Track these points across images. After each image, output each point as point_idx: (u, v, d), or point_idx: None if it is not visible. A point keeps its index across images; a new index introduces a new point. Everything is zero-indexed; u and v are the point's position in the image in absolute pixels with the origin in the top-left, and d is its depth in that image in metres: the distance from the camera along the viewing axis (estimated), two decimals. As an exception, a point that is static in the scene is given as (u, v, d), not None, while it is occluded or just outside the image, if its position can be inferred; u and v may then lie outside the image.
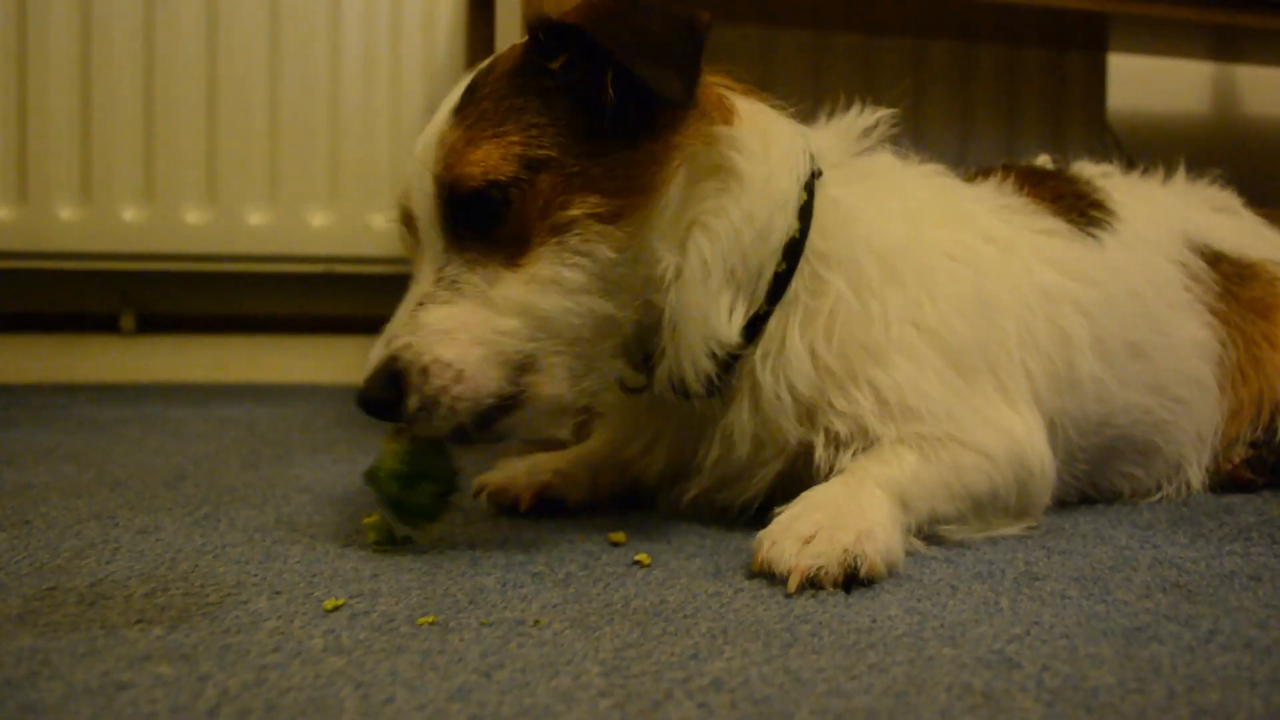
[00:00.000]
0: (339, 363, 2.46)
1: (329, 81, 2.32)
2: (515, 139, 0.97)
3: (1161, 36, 2.23)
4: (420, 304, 0.98)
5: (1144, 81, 2.60)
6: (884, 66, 2.44)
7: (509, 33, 1.68)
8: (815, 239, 1.08)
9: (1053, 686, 0.68)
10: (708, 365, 1.04)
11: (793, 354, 1.05)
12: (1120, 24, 2.14)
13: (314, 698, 0.65)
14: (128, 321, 2.41)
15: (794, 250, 1.07)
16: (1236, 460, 1.35)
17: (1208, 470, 1.33)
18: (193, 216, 2.28)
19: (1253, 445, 1.36)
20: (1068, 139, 2.48)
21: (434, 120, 1.03)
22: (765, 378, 1.06)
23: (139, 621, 0.79)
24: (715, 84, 1.09)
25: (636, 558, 0.98)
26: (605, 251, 0.98)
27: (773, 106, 1.14)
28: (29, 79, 2.22)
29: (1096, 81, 2.54)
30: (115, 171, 2.25)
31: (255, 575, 0.92)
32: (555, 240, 0.97)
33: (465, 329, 0.96)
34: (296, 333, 2.46)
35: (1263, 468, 1.36)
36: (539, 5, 1.48)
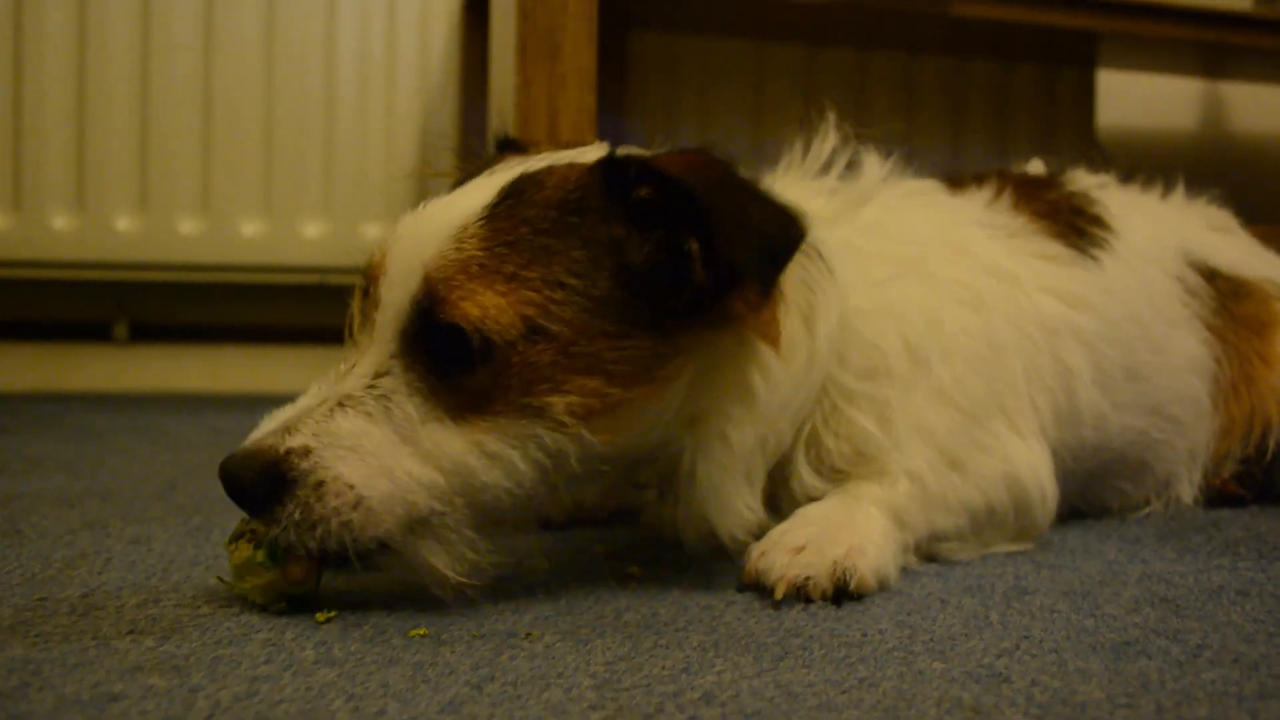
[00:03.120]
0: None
1: (323, 92, 2.32)
2: (533, 294, 0.84)
3: (1151, 53, 2.26)
4: (341, 404, 0.85)
5: (1133, 98, 2.62)
6: (876, 82, 2.45)
7: (504, 44, 1.69)
8: (836, 372, 1.01)
9: (1042, 701, 0.69)
10: (743, 535, 0.96)
11: (799, 479, 1.01)
12: (1110, 41, 2.16)
13: (305, 709, 0.65)
14: (121, 330, 2.41)
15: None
16: (1226, 475, 1.36)
17: (1198, 486, 1.34)
18: (186, 226, 2.28)
19: (1242, 461, 1.36)
20: (1058, 154, 2.49)
21: (456, 202, 0.89)
22: (778, 498, 1.02)
23: (131, 632, 0.79)
24: None
25: (628, 570, 0.99)
26: (576, 452, 0.86)
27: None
28: (24, 87, 2.23)
29: (1086, 98, 2.56)
30: (109, 181, 2.25)
31: (247, 586, 0.92)
32: (523, 420, 0.85)
33: (377, 456, 0.83)
34: (290, 343, 2.45)
35: (1251, 483, 1.37)
36: (535, 19, 1.48)
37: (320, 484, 0.82)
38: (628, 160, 0.89)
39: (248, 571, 0.84)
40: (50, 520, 1.15)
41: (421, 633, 0.80)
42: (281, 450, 0.82)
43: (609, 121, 2.11)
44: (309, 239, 2.31)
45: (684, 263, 0.87)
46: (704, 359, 0.92)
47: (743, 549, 0.96)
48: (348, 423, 0.84)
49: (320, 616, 0.83)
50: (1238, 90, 2.71)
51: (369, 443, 0.84)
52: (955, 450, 1.06)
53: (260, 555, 0.83)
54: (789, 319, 0.96)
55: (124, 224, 2.26)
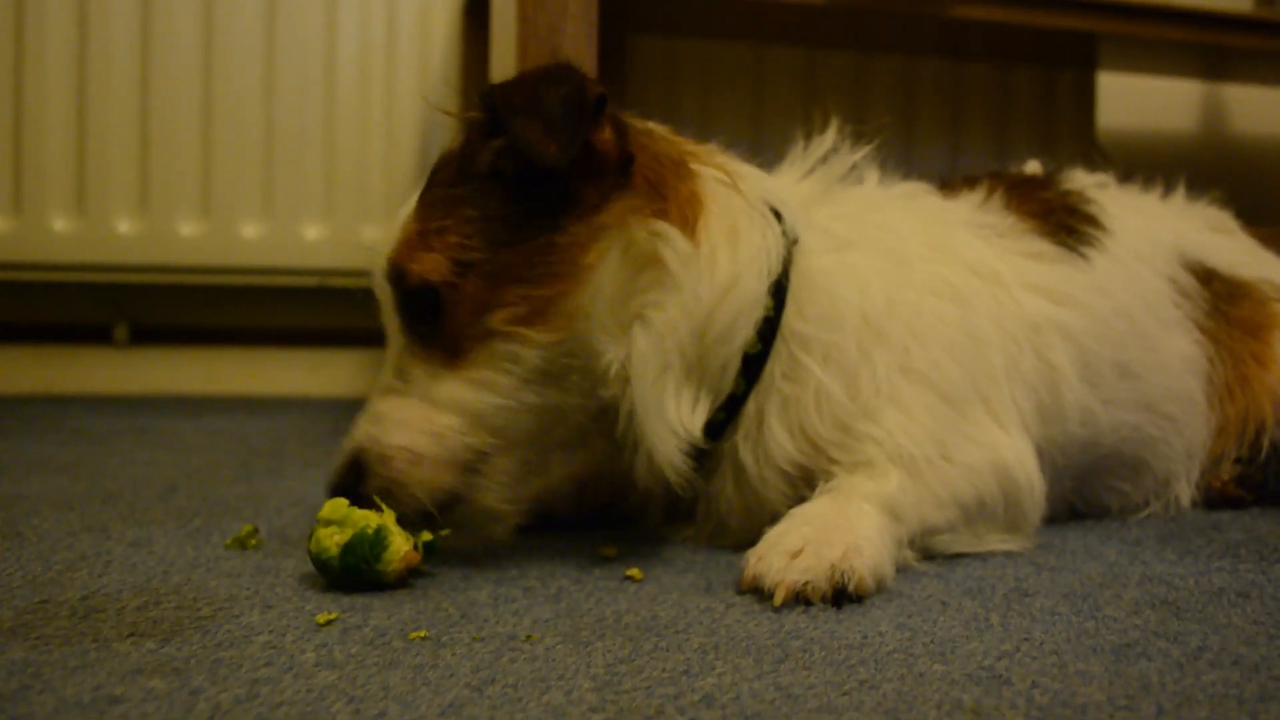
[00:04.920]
0: (332, 375, 2.46)
1: (323, 94, 2.32)
2: (453, 239, 0.97)
3: (1151, 56, 2.25)
4: (382, 393, 1.01)
5: (1133, 100, 2.62)
6: (875, 84, 2.45)
7: (504, 47, 1.69)
8: (792, 319, 1.06)
9: (1042, 703, 0.69)
10: (680, 461, 1.01)
11: (773, 437, 1.05)
12: (1110, 43, 2.16)
13: (306, 712, 0.65)
14: (121, 333, 2.41)
15: (768, 329, 1.05)
16: (1226, 477, 1.36)
17: (1197, 487, 1.34)
18: (187, 229, 2.28)
19: (1239, 462, 1.36)
20: (1058, 156, 2.50)
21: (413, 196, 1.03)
22: (747, 459, 1.06)
23: (131, 635, 0.79)
24: (669, 163, 1.04)
25: (628, 573, 0.99)
26: (534, 355, 0.97)
27: (738, 165, 1.11)
28: (24, 90, 2.22)
29: (1086, 100, 2.56)
30: (110, 183, 2.25)
31: (247, 589, 0.92)
32: (485, 346, 0.97)
33: (413, 422, 0.98)
34: (290, 345, 2.45)
35: (1252, 484, 1.37)
36: (535, 23, 1.49)
37: (382, 457, 0.97)
38: (485, 90, 0.99)
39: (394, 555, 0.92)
40: (50, 522, 1.15)
41: (422, 635, 0.80)
42: (353, 446, 0.99)
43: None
44: (309, 241, 2.31)
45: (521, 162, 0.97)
46: (621, 250, 0.99)
47: (684, 482, 1.02)
48: (386, 404, 1.00)
49: (320, 619, 0.83)
50: (1238, 92, 2.71)
51: (403, 414, 0.98)
52: (943, 438, 1.06)
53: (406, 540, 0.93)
54: (710, 226, 1.03)
55: (124, 226, 2.26)
